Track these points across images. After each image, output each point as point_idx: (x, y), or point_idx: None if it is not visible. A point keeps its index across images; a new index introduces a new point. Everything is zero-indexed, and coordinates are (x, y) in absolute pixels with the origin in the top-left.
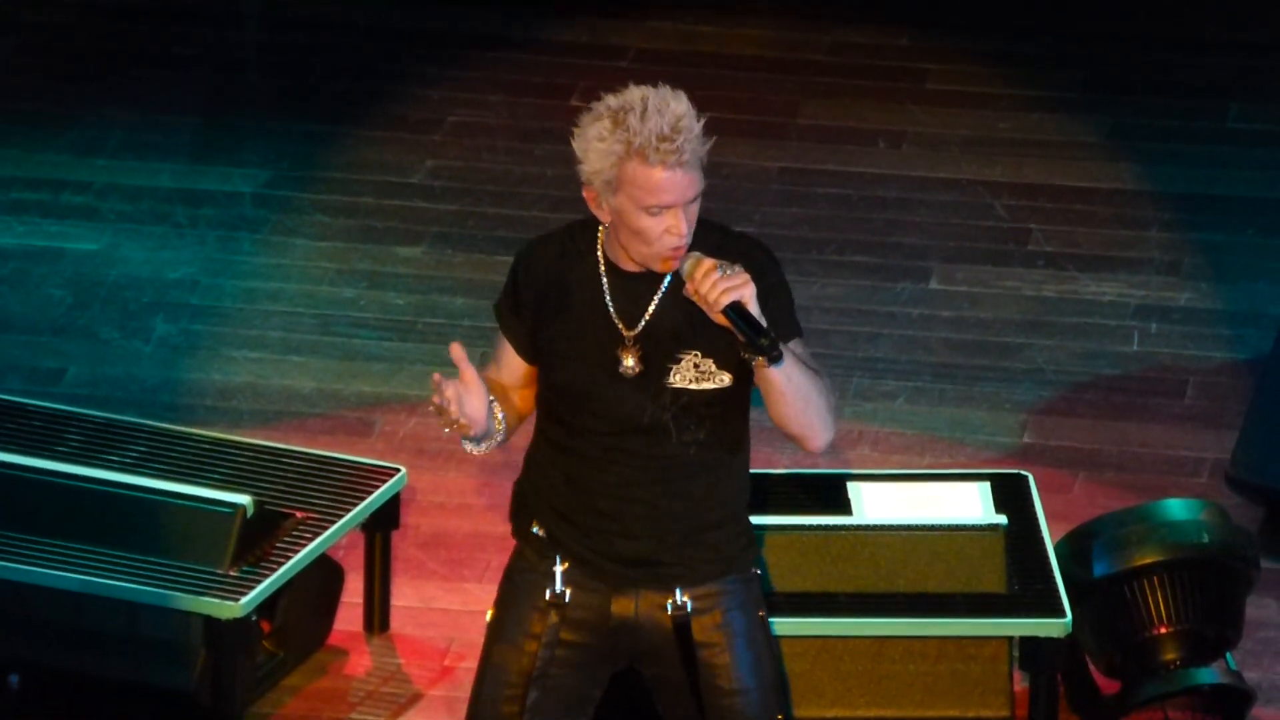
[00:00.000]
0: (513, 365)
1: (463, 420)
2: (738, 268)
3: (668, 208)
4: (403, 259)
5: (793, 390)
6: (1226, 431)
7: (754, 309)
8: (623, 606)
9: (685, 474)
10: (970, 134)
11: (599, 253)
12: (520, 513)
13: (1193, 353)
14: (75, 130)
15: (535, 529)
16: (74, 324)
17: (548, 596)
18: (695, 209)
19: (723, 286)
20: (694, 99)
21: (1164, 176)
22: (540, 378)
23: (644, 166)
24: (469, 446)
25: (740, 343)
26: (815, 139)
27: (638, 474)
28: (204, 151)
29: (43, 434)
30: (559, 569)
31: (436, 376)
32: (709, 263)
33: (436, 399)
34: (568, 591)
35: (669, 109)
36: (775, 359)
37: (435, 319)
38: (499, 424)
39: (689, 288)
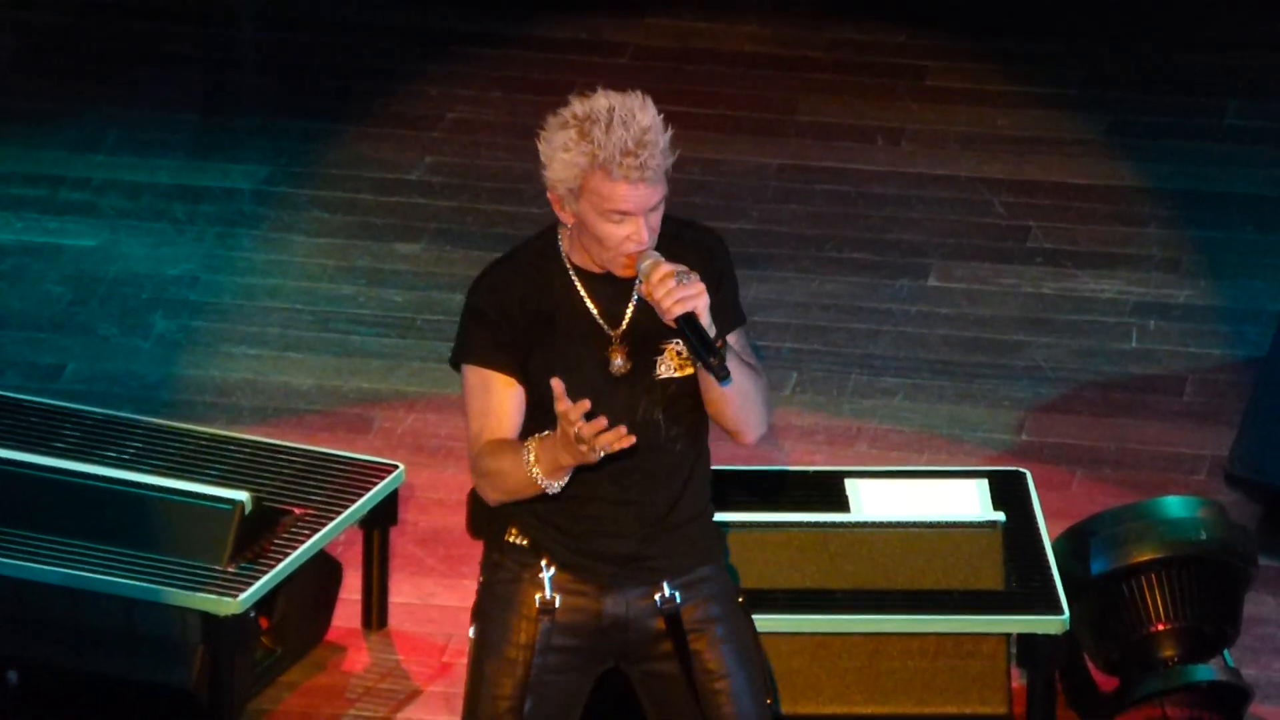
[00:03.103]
0: (515, 408)
1: (619, 443)
2: (694, 276)
3: (629, 215)
4: (401, 255)
5: (734, 392)
6: (1225, 428)
7: (706, 320)
8: (614, 605)
9: (668, 470)
10: (969, 131)
11: (565, 263)
12: (493, 523)
13: (1191, 350)
14: (74, 127)
15: (512, 538)
16: (73, 320)
17: (537, 603)
18: (658, 215)
19: (678, 295)
20: (692, 96)
21: (1163, 174)
22: (531, 402)
23: (608, 180)
24: (556, 488)
25: (689, 351)
26: (813, 136)
27: (627, 476)
28: (202, 148)
29: (41, 430)
30: (547, 575)
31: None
32: (666, 268)
33: (584, 429)
34: (557, 597)
35: (635, 121)
36: (723, 378)
37: (434, 316)
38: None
39: (644, 288)
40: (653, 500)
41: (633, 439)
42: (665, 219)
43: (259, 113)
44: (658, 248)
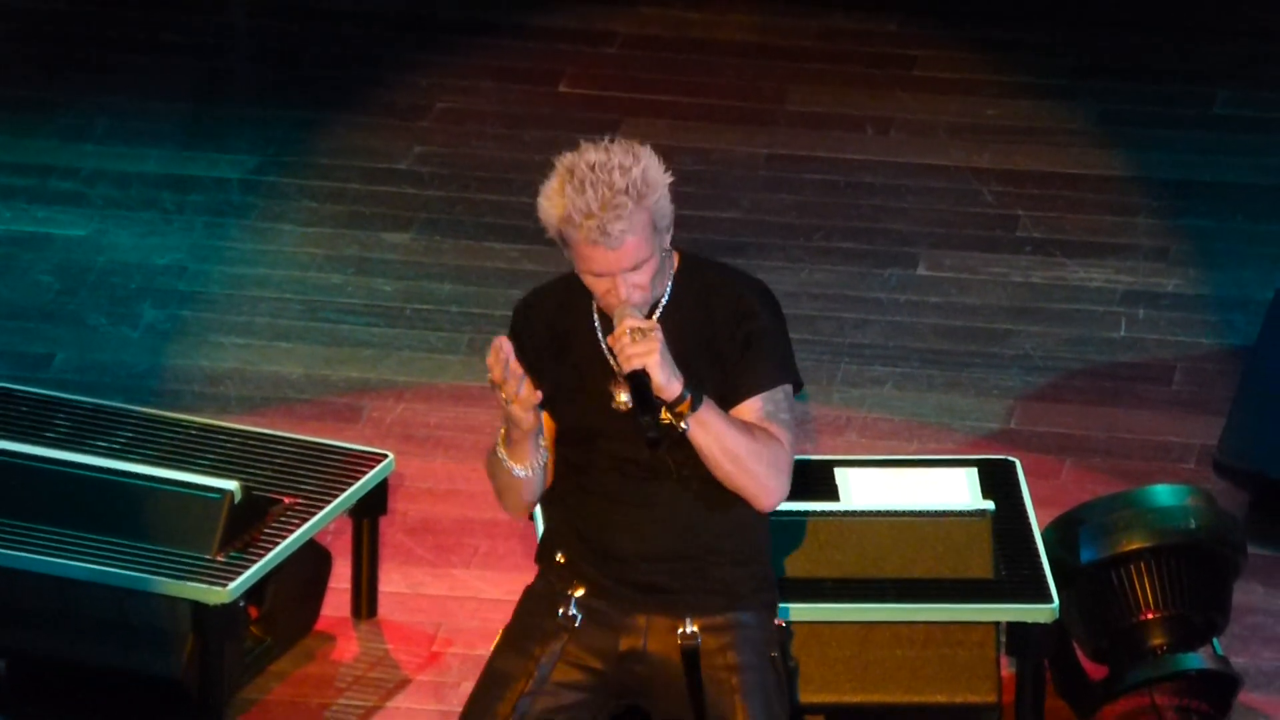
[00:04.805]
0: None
1: (523, 395)
2: (652, 334)
3: (600, 276)
4: (390, 245)
5: (714, 453)
6: (1213, 417)
7: (660, 377)
8: (633, 635)
9: (691, 508)
10: (958, 120)
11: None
12: (547, 541)
13: (1180, 338)
14: (63, 116)
15: (559, 557)
16: (62, 310)
17: (559, 617)
18: (643, 273)
19: (628, 353)
20: (681, 85)
21: (1152, 162)
22: (549, 421)
23: (574, 237)
24: (518, 471)
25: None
26: (803, 125)
27: (646, 508)
28: (192, 138)
29: (30, 420)
30: (576, 594)
31: (501, 340)
32: (629, 323)
33: (500, 369)
34: (578, 616)
35: (609, 182)
36: (651, 441)
37: (423, 305)
38: (544, 444)
39: (608, 339)
40: (668, 531)
41: (539, 395)
42: (715, 267)
43: (248, 102)
44: (685, 300)
